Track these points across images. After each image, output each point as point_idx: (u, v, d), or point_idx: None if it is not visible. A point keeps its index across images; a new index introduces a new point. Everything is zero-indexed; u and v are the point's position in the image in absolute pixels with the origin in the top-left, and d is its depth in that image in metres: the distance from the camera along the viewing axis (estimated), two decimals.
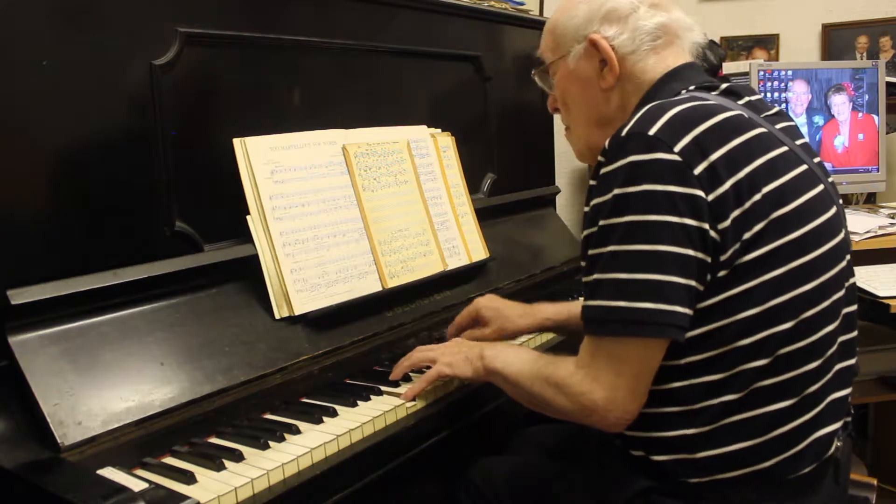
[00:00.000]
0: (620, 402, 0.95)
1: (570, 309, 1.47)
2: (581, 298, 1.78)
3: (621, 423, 0.97)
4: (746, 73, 2.50)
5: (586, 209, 1.02)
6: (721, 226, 0.91)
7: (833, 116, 2.54)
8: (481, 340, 1.39)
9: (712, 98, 1.01)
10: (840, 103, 2.53)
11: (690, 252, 0.91)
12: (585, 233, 1.01)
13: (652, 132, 0.93)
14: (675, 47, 1.11)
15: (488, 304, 1.45)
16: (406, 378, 1.30)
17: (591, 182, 1.01)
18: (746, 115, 0.99)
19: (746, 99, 1.06)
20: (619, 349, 0.94)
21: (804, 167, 0.99)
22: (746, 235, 0.92)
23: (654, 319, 0.91)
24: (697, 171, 0.91)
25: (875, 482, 1.24)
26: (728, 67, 2.77)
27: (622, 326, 0.93)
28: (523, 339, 1.51)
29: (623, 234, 0.93)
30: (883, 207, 2.59)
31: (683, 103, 0.97)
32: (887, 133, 2.59)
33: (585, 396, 0.96)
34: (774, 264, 0.94)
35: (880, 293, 1.83)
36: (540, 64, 1.22)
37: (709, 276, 0.93)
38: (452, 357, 1.22)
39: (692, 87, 1.06)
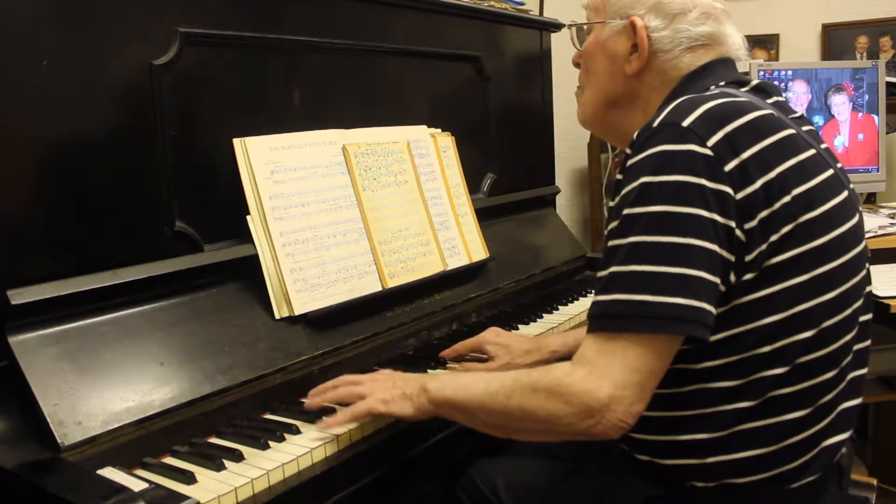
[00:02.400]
0: (628, 401, 0.88)
1: (577, 337, 1.43)
2: (576, 303, 1.79)
3: (623, 425, 0.89)
4: (746, 73, 2.50)
5: (611, 204, 0.98)
6: (747, 225, 0.89)
7: (833, 116, 2.54)
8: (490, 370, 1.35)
9: (742, 95, 0.99)
10: (840, 103, 2.53)
11: (717, 249, 0.88)
12: (610, 227, 0.97)
13: (685, 124, 0.91)
14: (714, 51, 1.08)
15: (494, 339, 1.40)
16: (325, 410, 1.16)
17: (618, 176, 0.98)
18: (776, 115, 0.97)
19: (775, 98, 1.04)
20: (637, 346, 0.88)
21: (830, 172, 0.97)
22: (774, 237, 0.90)
23: (682, 315, 0.86)
24: (728, 167, 0.89)
25: (875, 482, 1.23)
26: None
27: (646, 322, 0.87)
28: None
29: (649, 224, 0.89)
30: (883, 207, 2.59)
31: (716, 98, 0.94)
32: (887, 133, 2.59)
33: (589, 394, 0.88)
34: (799, 270, 0.91)
35: (880, 293, 1.83)
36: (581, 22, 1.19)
37: (733, 278, 0.91)
38: (387, 393, 1.11)
39: (722, 84, 1.04)
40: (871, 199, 2.75)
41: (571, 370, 0.91)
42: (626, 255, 0.89)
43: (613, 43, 1.10)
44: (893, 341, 2.32)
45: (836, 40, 3.03)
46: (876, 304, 1.77)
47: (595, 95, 1.15)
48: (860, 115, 2.53)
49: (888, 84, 2.55)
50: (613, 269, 0.90)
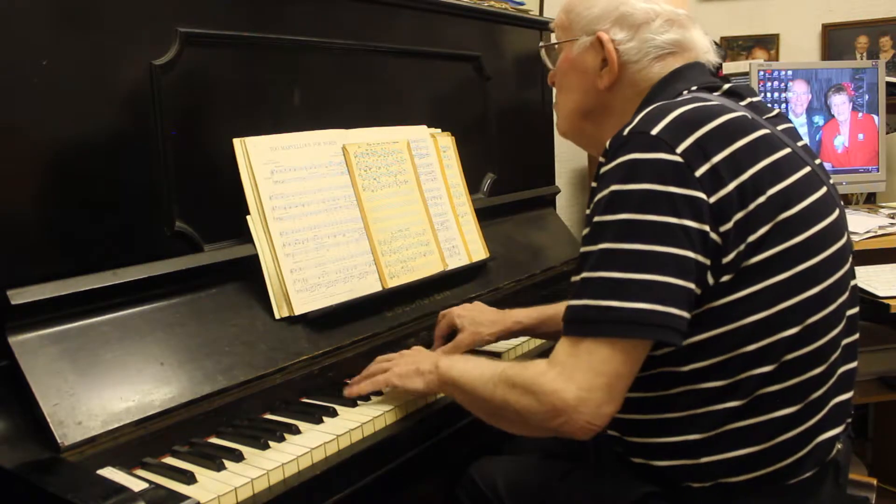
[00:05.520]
0: (595, 403, 0.89)
1: (542, 312, 1.46)
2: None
3: (591, 427, 0.90)
4: (746, 73, 2.50)
5: (588, 211, 1.00)
6: (723, 228, 0.90)
7: (833, 116, 2.54)
8: (458, 346, 1.40)
9: (715, 99, 1.00)
10: (840, 103, 2.53)
11: (690, 254, 0.89)
12: (584, 232, 0.99)
13: (654, 132, 0.92)
14: (683, 57, 1.09)
15: (462, 312, 1.45)
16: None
17: (593, 184, 0.99)
18: (750, 117, 0.98)
19: (748, 100, 1.05)
20: (603, 350, 0.90)
21: (807, 169, 0.98)
22: (751, 238, 0.91)
23: (647, 320, 0.88)
24: (699, 173, 0.90)
25: (875, 482, 1.24)
26: (728, 67, 2.77)
27: (611, 327, 0.89)
28: (509, 346, 1.50)
29: (618, 232, 0.90)
30: (883, 207, 2.59)
31: (686, 104, 0.95)
32: (887, 133, 2.59)
33: (556, 395, 0.90)
34: (779, 268, 0.92)
35: (880, 293, 1.83)
36: (549, 40, 1.21)
37: (711, 280, 0.91)
38: (405, 367, 1.19)
39: (694, 88, 1.04)
40: (871, 199, 2.75)
41: (545, 369, 0.94)
42: (597, 262, 0.91)
43: (583, 60, 1.12)
44: (893, 341, 2.32)
45: (836, 40, 3.03)
46: (876, 304, 1.78)
47: (570, 109, 1.17)
48: (860, 115, 2.53)
49: (888, 84, 2.55)
50: (585, 274, 0.92)
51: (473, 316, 1.44)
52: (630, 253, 0.89)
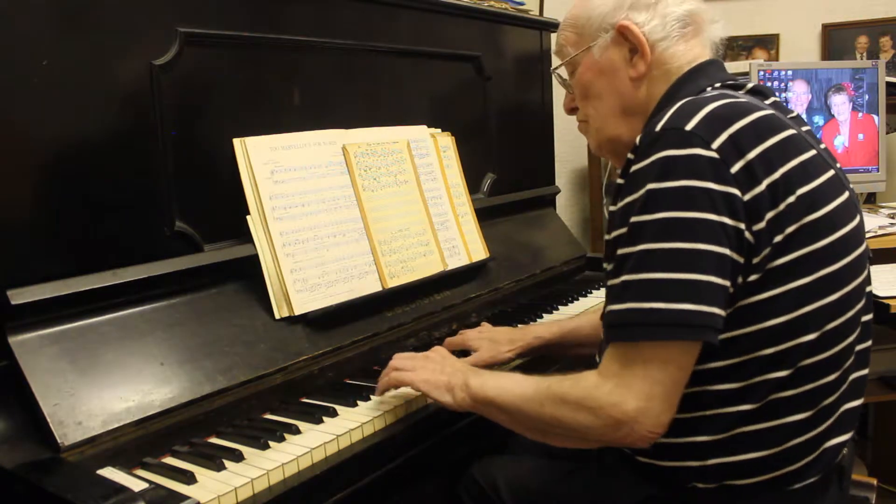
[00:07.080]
0: (655, 412, 0.88)
1: (563, 326, 1.44)
2: (576, 303, 1.79)
3: (652, 436, 0.90)
4: (746, 73, 2.50)
5: (612, 209, 0.98)
6: (756, 227, 0.88)
7: (833, 116, 2.54)
8: (475, 363, 1.35)
9: (742, 96, 0.99)
10: (840, 103, 2.53)
11: (727, 252, 0.87)
12: (614, 234, 0.96)
13: (689, 127, 0.89)
14: (701, 38, 1.08)
15: (476, 335, 1.42)
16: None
17: (619, 181, 0.97)
18: (777, 115, 0.96)
19: (772, 100, 1.04)
20: (655, 355, 0.88)
21: (832, 172, 0.97)
22: (777, 238, 0.89)
23: (695, 321, 0.86)
24: (734, 169, 0.88)
25: (875, 482, 1.23)
26: (728, 67, 2.76)
27: (660, 330, 0.87)
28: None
29: (658, 231, 0.88)
30: (883, 207, 2.59)
31: (717, 100, 0.93)
32: (887, 133, 2.59)
33: (616, 408, 0.89)
34: (804, 271, 0.91)
35: (880, 293, 1.83)
36: (559, 62, 1.18)
37: (740, 280, 0.90)
38: (433, 375, 1.15)
39: (718, 85, 1.03)
40: (871, 199, 2.75)
41: (599, 382, 0.92)
42: (637, 264, 0.89)
43: (608, 59, 1.09)
44: (893, 341, 2.32)
45: (836, 40, 3.03)
46: (876, 304, 1.77)
47: (610, 114, 1.12)
48: (860, 115, 2.53)
49: (888, 84, 2.55)
50: (625, 277, 0.90)
51: (491, 335, 1.42)
52: (670, 252, 0.87)
